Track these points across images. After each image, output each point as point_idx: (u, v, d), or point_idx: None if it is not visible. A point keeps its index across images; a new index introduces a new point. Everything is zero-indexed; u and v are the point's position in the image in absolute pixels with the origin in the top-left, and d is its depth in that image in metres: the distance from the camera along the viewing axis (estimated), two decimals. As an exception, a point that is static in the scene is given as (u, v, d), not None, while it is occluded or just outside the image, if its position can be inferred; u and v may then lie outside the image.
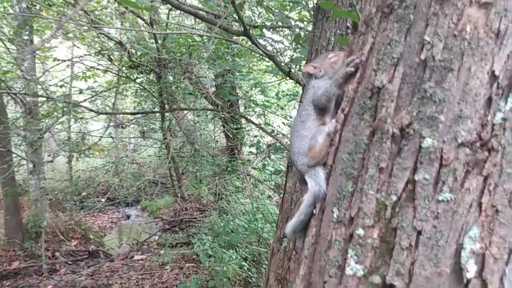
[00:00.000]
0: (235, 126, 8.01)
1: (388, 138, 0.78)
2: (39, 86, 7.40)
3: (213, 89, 8.09)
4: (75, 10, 2.57)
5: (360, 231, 0.77)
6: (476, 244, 0.71)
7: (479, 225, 0.72)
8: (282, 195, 2.54)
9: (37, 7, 7.14)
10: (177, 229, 8.57)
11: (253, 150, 6.24)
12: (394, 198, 0.75)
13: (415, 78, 0.77)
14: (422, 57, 0.77)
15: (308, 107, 1.11)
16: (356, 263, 0.76)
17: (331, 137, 0.95)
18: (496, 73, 0.72)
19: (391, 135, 0.78)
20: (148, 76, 8.51)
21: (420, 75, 0.77)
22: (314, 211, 0.94)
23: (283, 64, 3.76)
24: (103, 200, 10.67)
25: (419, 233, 0.73)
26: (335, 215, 0.83)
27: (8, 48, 7.70)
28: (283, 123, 6.18)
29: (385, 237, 0.75)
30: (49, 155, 8.51)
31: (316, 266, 0.84)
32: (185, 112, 9.09)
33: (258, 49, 3.72)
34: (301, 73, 3.38)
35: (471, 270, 0.71)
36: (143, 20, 7.71)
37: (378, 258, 0.74)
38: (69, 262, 7.72)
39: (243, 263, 5.62)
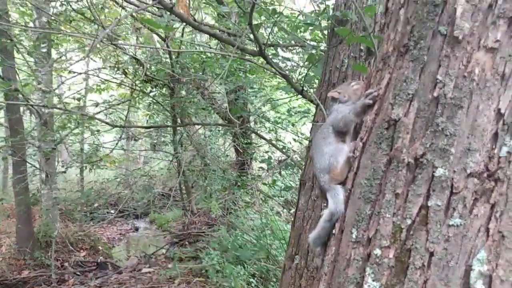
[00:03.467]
0: (245, 141, 8.11)
1: (404, 166, 0.86)
2: (56, 98, 7.59)
3: (225, 104, 8.22)
4: (105, 33, 2.70)
5: (377, 251, 0.84)
6: (484, 266, 0.78)
7: (487, 249, 0.79)
8: (294, 213, 2.60)
9: (57, 22, 7.37)
10: (186, 242, 8.61)
11: (264, 165, 6.31)
12: (408, 221, 0.83)
13: (428, 113, 0.86)
14: (435, 94, 0.85)
15: (329, 126, 1.21)
16: (373, 280, 0.83)
17: (350, 161, 1.04)
18: (502, 111, 0.80)
19: (406, 164, 0.86)
20: (161, 90, 8.67)
21: (433, 110, 0.85)
22: (333, 231, 1.01)
23: (295, 82, 3.86)
24: (112, 211, 10.78)
25: (431, 254, 0.80)
26: (353, 236, 0.90)
27: (27, 61, 7.93)
28: (294, 139, 6.26)
29: (400, 257, 0.82)
30: (62, 166, 8.67)
31: (335, 282, 0.91)
32: (197, 126, 9.22)
33: (272, 68, 3.83)
34: (314, 92, 3.48)
35: (479, 290, 0.78)
36: (159, 36, 7.92)
37: (394, 276, 0.81)
38: (78, 273, 7.78)
39: (251, 279, 5.63)
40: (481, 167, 0.80)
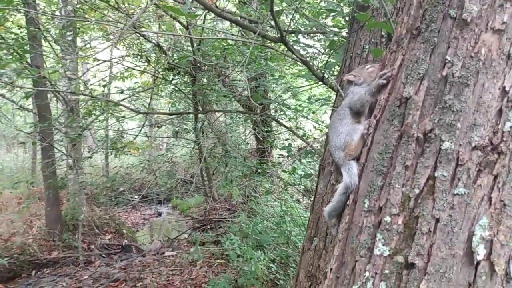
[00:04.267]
0: (266, 129, 8.18)
1: (413, 141, 0.93)
2: (81, 85, 7.80)
3: (246, 92, 8.29)
4: (132, 21, 2.80)
5: (387, 219, 0.92)
6: (485, 231, 0.85)
7: (489, 216, 0.86)
8: (313, 196, 2.67)
9: (82, 10, 7.55)
10: (207, 228, 8.80)
11: (284, 153, 6.38)
12: (417, 191, 0.90)
13: (437, 91, 0.92)
14: (444, 73, 0.92)
15: (346, 108, 1.28)
16: (383, 245, 0.91)
17: (364, 137, 1.11)
18: (507, 88, 0.86)
19: (415, 139, 0.93)
20: (183, 78, 8.80)
21: (441, 88, 0.92)
22: (347, 202, 1.10)
23: (316, 69, 3.90)
24: (136, 197, 11.08)
25: (437, 220, 0.87)
26: (366, 205, 0.98)
27: (53, 49, 8.17)
28: (314, 127, 6.30)
29: (408, 224, 0.90)
30: (88, 152, 8.96)
31: (348, 248, 0.99)
32: (218, 114, 9.35)
33: (293, 55, 3.87)
34: (334, 78, 3.51)
35: (481, 253, 0.85)
36: (181, 23, 8.02)
37: (402, 241, 0.89)
38: (103, 255, 8.10)
39: (271, 264, 5.74)
40: (485, 141, 0.87)
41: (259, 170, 7.49)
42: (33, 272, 7.13)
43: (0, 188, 10.09)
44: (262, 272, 5.53)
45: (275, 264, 5.68)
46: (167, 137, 14.07)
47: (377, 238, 0.93)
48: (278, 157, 8.58)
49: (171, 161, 11.69)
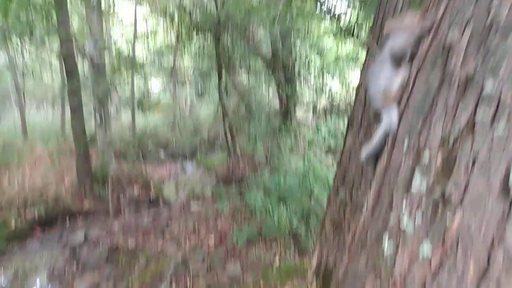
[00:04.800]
0: (290, 89, 8.16)
1: (456, 83, 0.98)
2: (107, 45, 7.88)
3: (270, 51, 8.21)
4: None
5: (426, 156, 0.99)
6: (522, 170, 0.90)
7: (526, 156, 0.91)
8: (342, 150, 2.73)
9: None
10: (230, 183, 9.04)
11: (308, 112, 6.40)
12: (457, 130, 0.96)
13: (481, 37, 0.96)
14: (489, 20, 0.94)
15: (386, 55, 1.31)
16: (421, 181, 0.98)
17: (405, 82, 1.16)
18: (551, 32, 0.89)
19: (458, 81, 0.98)
20: (206, 37, 8.76)
21: (485, 34, 0.95)
22: (386, 142, 1.16)
23: (345, 26, 3.84)
24: (162, 153, 11.39)
25: (475, 158, 0.93)
26: (405, 145, 1.05)
27: (79, 10, 8.20)
28: (341, 86, 6.26)
29: (447, 161, 0.96)
30: (116, 109, 9.19)
31: (385, 186, 1.07)
32: (241, 74, 9.34)
33: (322, 9, 3.82)
34: (365, 35, 3.47)
35: (516, 189, 0.91)
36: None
37: (440, 177, 0.96)
38: (132, 207, 8.49)
39: (293, 218, 5.92)
40: (527, 84, 0.91)
41: (282, 129, 7.56)
42: (68, 221, 7.57)
43: (33, 144, 10.54)
44: (284, 225, 5.72)
45: (297, 218, 5.85)
46: (191, 97, 14.18)
47: (415, 175, 1.00)
48: (303, 116, 8.60)
49: (196, 120, 11.85)
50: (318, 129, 6.17)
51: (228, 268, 5.20)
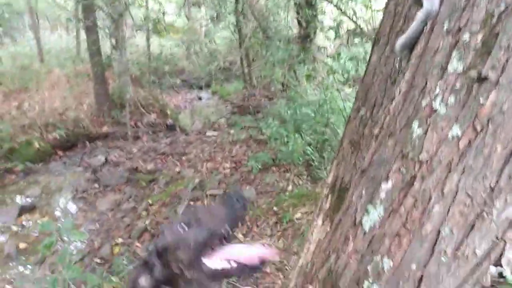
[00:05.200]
0: (310, 13, 7.77)
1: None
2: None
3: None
4: None
5: (466, 37, 0.91)
6: None
7: None
8: (365, 68, 2.59)
9: None
10: (246, 112, 9.04)
11: (330, 35, 6.09)
12: (502, 8, 0.88)
13: None
14: None
15: None
16: (457, 62, 0.91)
17: None
18: None
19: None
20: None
21: None
22: (424, 28, 1.08)
23: None
24: (178, 80, 11.33)
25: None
26: (445, 28, 0.97)
27: None
28: (365, 7, 5.87)
29: (487, 40, 0.88)
30: (131, 32, 8.98)
31: (420, 71, 1.00)
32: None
33: None
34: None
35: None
36: None
37: (478, 57, 0.89)
38: (150, 132, 8.65)
39: (307, 147, 5.92)
40: None
41: (301, 56, 7.33)
42: (88, 144, 7.81)
43: (49, 67, 10.54)
44: (298, 153, 5.76)
45: (311, 147, 5.86)
46: (206, 20, 13.70)
47: (452, 57, 0.93)
48: (324, 39, 8.22)
49: (211, 44, 11.53)
50: (339, 56, 5.92)
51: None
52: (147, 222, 4.97)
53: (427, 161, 0.74)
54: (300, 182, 5.49)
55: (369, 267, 0.80)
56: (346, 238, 0.87)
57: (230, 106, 10.30)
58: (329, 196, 2.23)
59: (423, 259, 0.75)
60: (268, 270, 3.65)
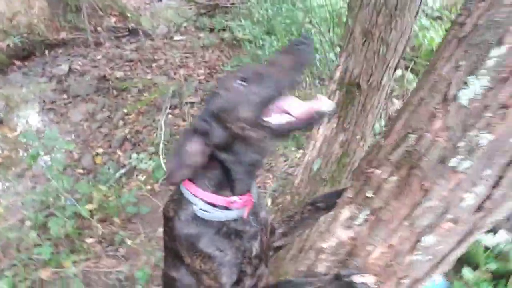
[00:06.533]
0: None
1: None
2: None
3: None
4: None
5: None
6: None
7: None
8: None
9: None
10: (214, 13, 8.52)
11: None
12: None
13: None
14: None
15: None
16: None
17: None
18: None
19: None
20: None
21: None
22: None
23: None
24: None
25: None
26: None
27: None
28: None
29: None
30: None
31: None
32: None
33: None
34: None
35: None
36: None
37: None
38: (112, 38, 8.07)
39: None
40: None
41: None
42: (47, 52, 7.23)
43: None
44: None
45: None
46: None
47: None
48: None
49: None
50: None
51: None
52: (126, 131, 4.89)
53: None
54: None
55: (460, 143, 0.78)
56: (432, 115, 0.82)
57: (195, 7, 9.63)
58: (337, 92, 2.21)
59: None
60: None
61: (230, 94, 1.03)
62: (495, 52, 0.73)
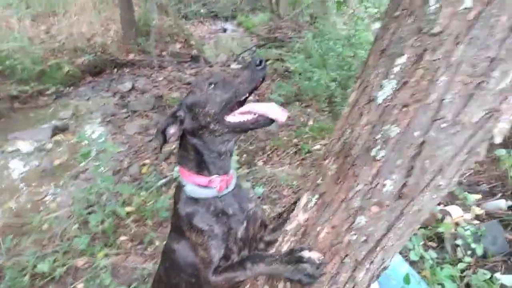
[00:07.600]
0: None
1: None
2: None
3: None
4: None
5: None
6: None
7: None
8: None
9: None
10: (272, 46, 8.92)
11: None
12: None
13: None
14: None
15: None
16: None
17: None
18: None
19: None
20: None
21: None
22: None
23: None
24: (202, 10, 11.11)
25: None
26: None
27: None
28: None
29: None
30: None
31: None
32: None
33: None
34: None
35: None
36: None
37: None
38: (175, 62, 8.70)
39: (331, 83, 5.83)
40: None
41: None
42: (115, 70, 7.97)
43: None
44: (321, 88, 5.74)
45: (335, 82, 5.81)
46: None
47: None
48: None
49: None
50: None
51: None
52: (173, 146, 5.22)
53: (439, 33, 0.81)
54: (321, 117, 5.55)
55: (378, 136, 0.94)
56: (361, 114, 0.99)
57: (255, 39, 10.14)
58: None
59: (426, 126, 0.86)
60: (285, 193, 3.88)
61: (202, 93, 1.34)
62: (400, 60, 0.90)
